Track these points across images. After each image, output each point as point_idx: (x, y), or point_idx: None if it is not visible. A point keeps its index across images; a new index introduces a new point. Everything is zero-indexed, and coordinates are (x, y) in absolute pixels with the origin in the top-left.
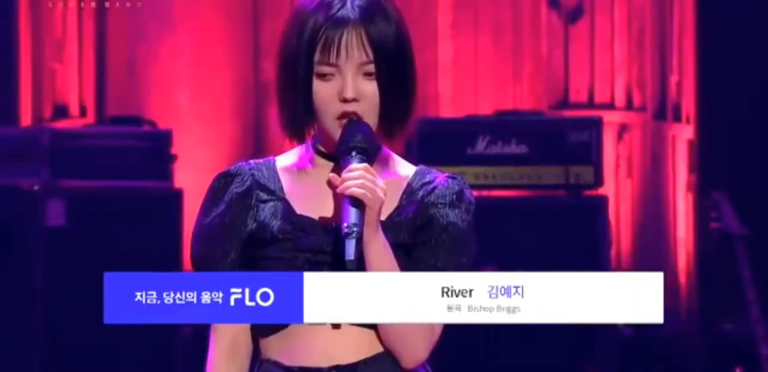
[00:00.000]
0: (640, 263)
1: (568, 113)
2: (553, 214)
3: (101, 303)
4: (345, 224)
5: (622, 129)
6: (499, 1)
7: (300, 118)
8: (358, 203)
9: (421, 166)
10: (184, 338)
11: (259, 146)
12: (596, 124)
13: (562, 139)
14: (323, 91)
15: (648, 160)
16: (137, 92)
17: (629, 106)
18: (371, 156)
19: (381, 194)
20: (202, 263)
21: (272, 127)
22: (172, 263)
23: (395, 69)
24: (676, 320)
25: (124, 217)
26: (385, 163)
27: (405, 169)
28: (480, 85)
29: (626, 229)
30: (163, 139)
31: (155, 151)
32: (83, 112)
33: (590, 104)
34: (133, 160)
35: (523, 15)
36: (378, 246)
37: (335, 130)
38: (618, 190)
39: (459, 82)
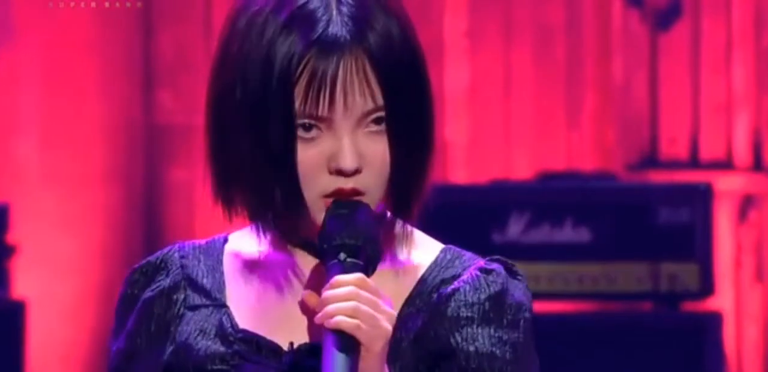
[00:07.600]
0: None
1: (657, 177)
2: (635, 339)
3: None
4: None
5: (746, 202)
6: None
7: (276, 202)
8: (346, 342)
9: (450, 247)
10: None
11: (152, 229)
12: (703, 195)
13: (647, 218)
14: (307, 158)
15: None
16: None
17: (757, 165)
18: (370, 256)
19: (386, 324)
20: None
21: (175, 195)
22: None
23: (414, 113)
24: None
25: None
26: (391, 241)
27: (424, 250)
28: (513, 131)
29: (754, 360)
30: None
31: None
32: None
33: (693, 162)
34: None
35: (583, 17)
36: None
37: (318, 211)
38: (739, 302)
39: (480, 125)
